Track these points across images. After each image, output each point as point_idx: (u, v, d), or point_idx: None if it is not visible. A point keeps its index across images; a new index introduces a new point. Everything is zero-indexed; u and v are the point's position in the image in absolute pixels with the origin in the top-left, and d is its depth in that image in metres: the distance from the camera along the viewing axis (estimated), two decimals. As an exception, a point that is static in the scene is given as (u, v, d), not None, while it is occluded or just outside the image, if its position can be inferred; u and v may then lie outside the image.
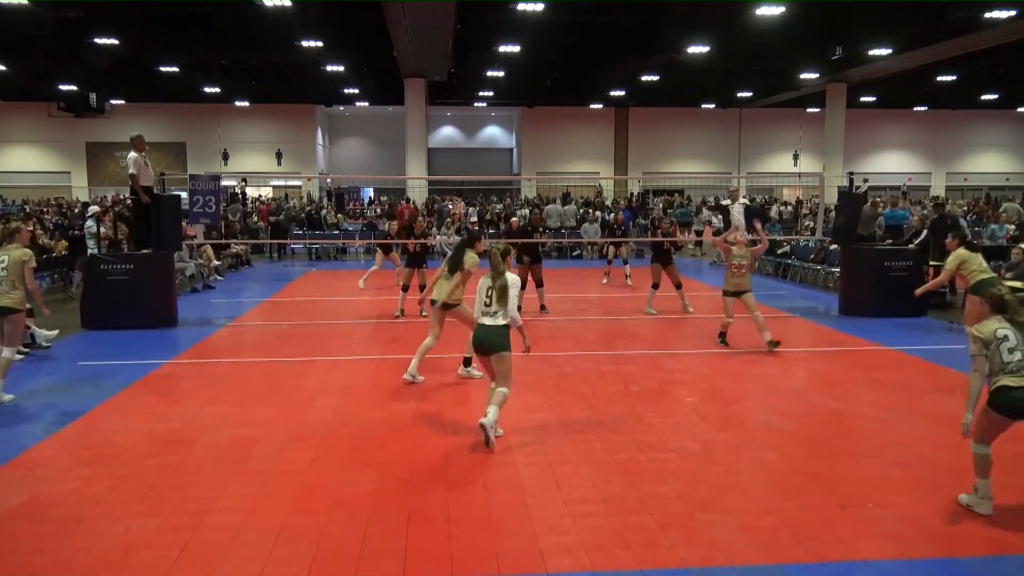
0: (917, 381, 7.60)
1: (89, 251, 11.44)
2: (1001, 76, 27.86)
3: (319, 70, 25.74)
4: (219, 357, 8.80)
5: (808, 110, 34.74)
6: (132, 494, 4.72)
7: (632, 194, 27.07)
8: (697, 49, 21.67)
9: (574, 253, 21.43)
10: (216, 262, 15.73)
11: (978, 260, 8.20)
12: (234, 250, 18.11)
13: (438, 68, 24.89)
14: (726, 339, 8.98)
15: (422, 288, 10.57)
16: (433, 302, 7.34)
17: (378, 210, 26.43)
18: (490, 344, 5.60)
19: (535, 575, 3.76)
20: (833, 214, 15.69)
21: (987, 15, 18.00)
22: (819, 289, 14.30)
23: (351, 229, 23.11)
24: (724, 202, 15.18)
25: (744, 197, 14.88)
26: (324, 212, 24.06)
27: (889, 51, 22.32)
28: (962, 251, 8.26)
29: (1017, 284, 9.56)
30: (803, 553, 3.96)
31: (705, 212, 22.73)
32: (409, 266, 11.08)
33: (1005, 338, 4.39)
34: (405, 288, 11.06)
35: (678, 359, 8.46)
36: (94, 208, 14.23)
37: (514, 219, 12.58)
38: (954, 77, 28.02)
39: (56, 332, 9.28)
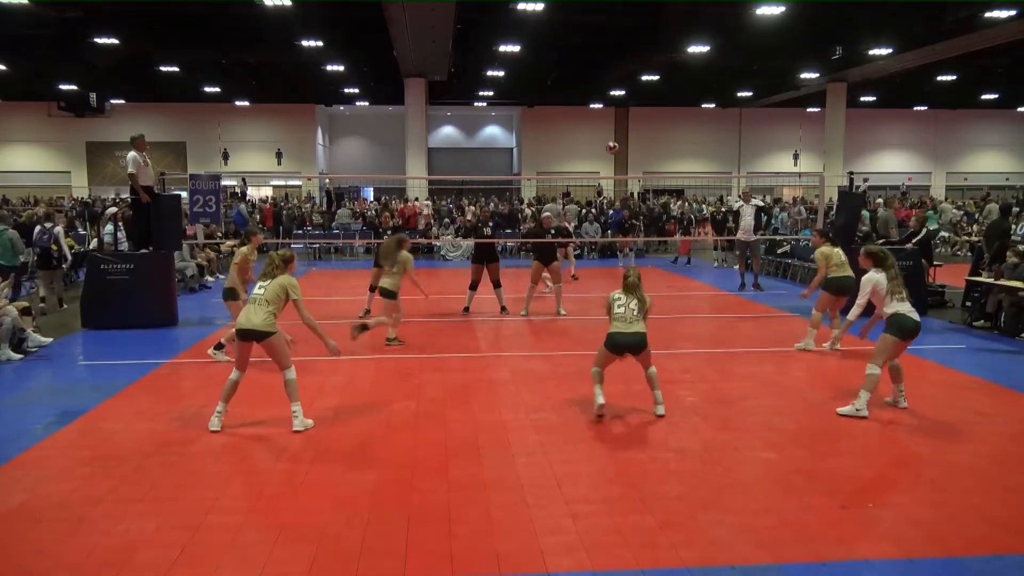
0: (917, 381, 7.59)
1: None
2: (1001, 76, 27.88)
3: (319, 70, 25.75)
4: (219, 357, 8.78)
5: (808, 110, 34.75)
6: (132, 494, 4.72)
7: (632, 194, 27.09)
8: (697, 49, 21.66)
9: (574, 253, 21.40)
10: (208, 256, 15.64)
11: (838, 254, 8.92)
12: (229, 245, 18.08)
13: (438, 68, 24.89)
14: None
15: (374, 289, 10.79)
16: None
17: (376, 210, 26.41)
18: None
19: (535, 575, 3.76)
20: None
21: (987, 15, 18.00)
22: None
23: (352, 228, 23.10)
24: (736, 204, 15.13)
25: (756, 198, 14.83)
26: (307, 210, 24.04)
27: (889, 51, 22.32)
28: (825, 247, 8.99)
29: (1017, 284, 9.59)
30: (803, 553, 3.96)
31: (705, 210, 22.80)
32: (377, 266, 10.80)
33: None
34: (372, 288, 10.89)
35: (678, 359, 8.46)
36: (112, 209, 14.13)
37: (546, 215, 12.25)
38: (954, 77, 28.03)
39: (50, 340, 9.20)
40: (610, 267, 14.92)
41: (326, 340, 6.21)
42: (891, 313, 6.25)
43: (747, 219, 13.84)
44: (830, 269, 8.81)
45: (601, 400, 6.15)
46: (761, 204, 15.70)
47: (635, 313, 6.16)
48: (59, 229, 11.90)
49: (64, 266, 12.38)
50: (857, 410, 6.22)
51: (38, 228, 11.87)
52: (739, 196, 14.88)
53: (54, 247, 11.67)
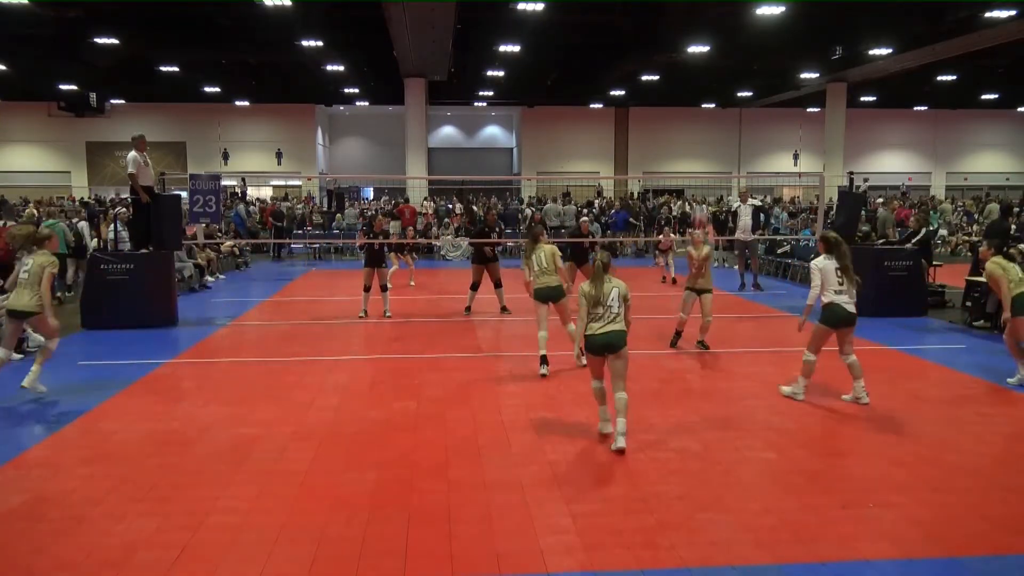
0: (917, 381, 7.60)
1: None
2: (1001, 76, 27.86)
3: (319, 70, 25.74)
4: (219, 357, 8.80)
5: (808, 110, 34.73)
6: (132, 494, 4.72)
7: (632, 194, 27.07)
8: (697, 49, 21.65)
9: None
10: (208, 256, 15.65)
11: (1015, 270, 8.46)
12: (229, 245, 18.09)
13: (438, 68, 24.88)
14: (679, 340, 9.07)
15: (383, 288, 11.07)
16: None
17: (376, 210, 26.42)
18: None
19: (535, 575, 3.76)
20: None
21: (987, 15, 17.98)
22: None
23: (352, 227, 23.09)
24: (735, 205, 15.15)
25: (754, 198, 14.85)
26: (301, 209, 24.03)
27: (889, 51, 22.32)
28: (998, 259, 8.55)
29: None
30: (803, 553, 3.96)
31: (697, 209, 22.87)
32: (368, 266, 11.06)
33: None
34: (367, 288, 11.07)
35: (678, 359, 8.46)
36: (121, 210, 14.26)
37: (584, 220, 12.59)
38: (954, 77, 28.01)
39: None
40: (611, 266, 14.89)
41: (50, 318, 6.88)
42: (827, 302, 6.47)
43: (745, 219, 13.85)
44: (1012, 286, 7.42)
45: (607, 429, 5.68)
46: (759, 204, 15.70)
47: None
48: (84, 224, 14.13)
49: (87, 255, 12.97)
50: (794, 393, 6.66)
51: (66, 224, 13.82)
52: (738, 196, 14.90)
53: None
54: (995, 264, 7.57)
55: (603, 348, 5.46)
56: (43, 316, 6.87)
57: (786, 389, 6.84)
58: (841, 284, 6.44)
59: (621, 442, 5.35)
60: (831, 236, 6.71)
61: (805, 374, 6.64)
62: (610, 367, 5.50)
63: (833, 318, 6.42)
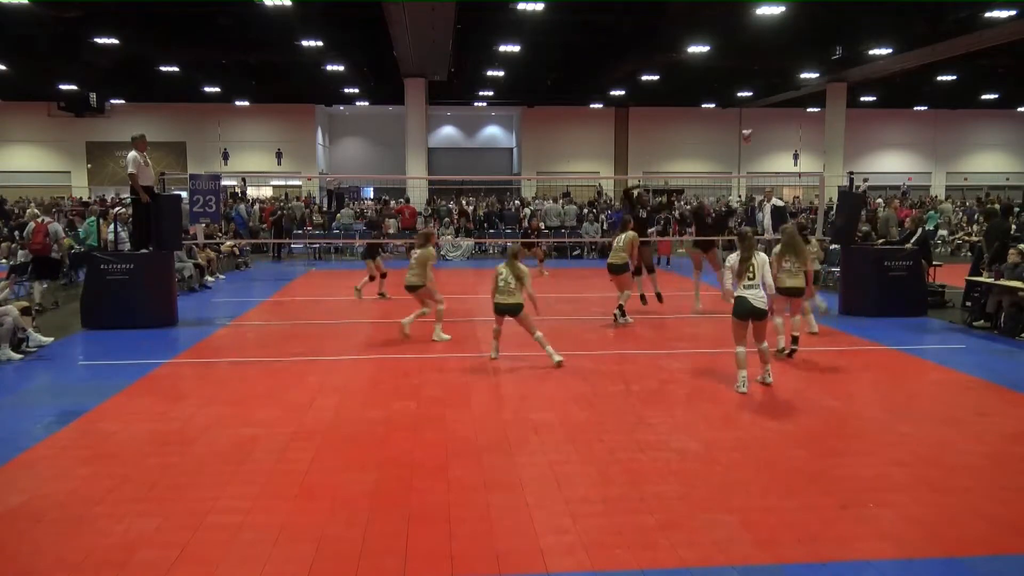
0: (917, 381, 7.60)
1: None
2: (1001, 76, 27.86)
3: (319, 70, 25.74)
4: (219, 357, 8.80)
5: (808, 110, 34.73)
6: (132, 494, 4.72)
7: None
8: (697, 49, 21.65)
9: (574, 253, 21.44)
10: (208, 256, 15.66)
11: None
12: (229, 245, 18.09)
13: (438, 68, 24.89)
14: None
15: (372, 278, 12.61)
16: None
17: (377, 210, 26.41)
18: None
19: (535, 575, 3.76)
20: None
21: (987, 15, 17.99)
22: (819, 289, 14.24)
23: (353, 228, 23.09)
24: (735, 203, 15.26)
25: (777, 199, 14.85)
26: (307, 212, 24.03)
27: (889, 51, 22.31)
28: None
29: (1017, 284, 9.59)
30: (803, 553, 3.96)
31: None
32: (363, 257, 12.93)
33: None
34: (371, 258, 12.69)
35: (678, 359, 8.46)
36: (119, 209, 14.30)
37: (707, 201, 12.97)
38: (954, 77, 28.01)
39: (50, 340, 9.19)
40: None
41: None
42: (737, 295, 6.89)
43: (765, 218, 13.91)
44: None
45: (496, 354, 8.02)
46: (781, 204, 15.55)
47: (512, 285, 7.65)
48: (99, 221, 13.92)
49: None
50: (736, 387, 6.92)
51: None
52: (763, 195, 15.01)
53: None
54: None
55: (503, 312, 7.91)
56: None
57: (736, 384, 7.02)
58: (752, 279, 6.80)
59: (557, 358, 7.79)
60: (743, 232, 7.15)
61: (739, 365, 6.94)
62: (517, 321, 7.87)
63: (739, 310, 6.83)
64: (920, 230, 12.32)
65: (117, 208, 15.99)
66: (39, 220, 12.61)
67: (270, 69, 27.13)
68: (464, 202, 24.96)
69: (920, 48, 21.68)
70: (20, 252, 13.76)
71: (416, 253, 9.47)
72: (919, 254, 11.41)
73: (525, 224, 22.24)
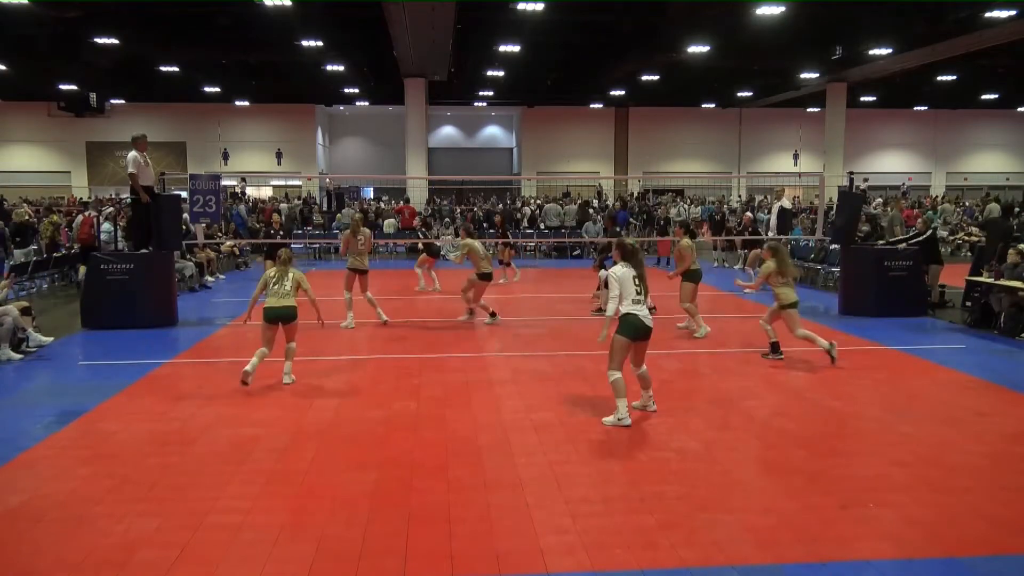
0: (917, 381, 7.60)
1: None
2: (1001, 76, 27.86)
3: (319, 70, 25.74)
4: (219, 357, 8.80)
5: (808, 110, 34.74)
6: (132, 494, 4.72)
7: (631, 194, 27.08)
8: (697, 49, 21.65)
9: (574, 253, 21.42)
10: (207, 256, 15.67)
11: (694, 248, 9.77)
12: (229, 245, 18.08)
13: (438, 68, 24.90)
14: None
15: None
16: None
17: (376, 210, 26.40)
18: None
19: (535, 575, 3.76)
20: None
21: (987, 15, 18.00)
22: (819, 289, 14.30)
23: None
24: (735, 204, 15.31)
25: (786, 199, 14.89)
26: (308, 212, 24.01)
27: (889, 51, 22.32)
28: (685, 240, 9.72)
29: (1017, 284, 9.59)
30: (803, 553, 3.96)
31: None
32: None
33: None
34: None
35: (678, 359, 8.46)
36: (109, 209, 14.36)
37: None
38: (954, 77, 28.02)
39: (50, 340, 9.19)
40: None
41: None
42: (623, 312, 5.94)
43: (771, 218, 13.94)
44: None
45: (249, 369, 7.06)
46: (788, 206, 15.56)
47: (287, 289, 7.29)
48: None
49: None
50: (619, 419, 5.94)
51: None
52: (773, 195, 15.09)
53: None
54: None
55: (276, 318, 7.33)
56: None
57: (608, 420, 6.01)
58: (639, 294, 5.98)
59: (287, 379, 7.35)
60: (628, 243, 6.26)
61: (620, 394, 5.94)
62: (283, 330, 7.42)
63: (630, 329, 5.89)
64: (929, 231, 12.34)
65: (106, 208, 16.04)
66: (87, 214, 13.86)
67: (270, 69, 27.14)
68: (475, 208, 24.90)
69: (920, 48, 21.69)
70: (17, 252, 13.78)
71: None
72: (919, 254, 11.41)
73: (524, 224, 22.26)
